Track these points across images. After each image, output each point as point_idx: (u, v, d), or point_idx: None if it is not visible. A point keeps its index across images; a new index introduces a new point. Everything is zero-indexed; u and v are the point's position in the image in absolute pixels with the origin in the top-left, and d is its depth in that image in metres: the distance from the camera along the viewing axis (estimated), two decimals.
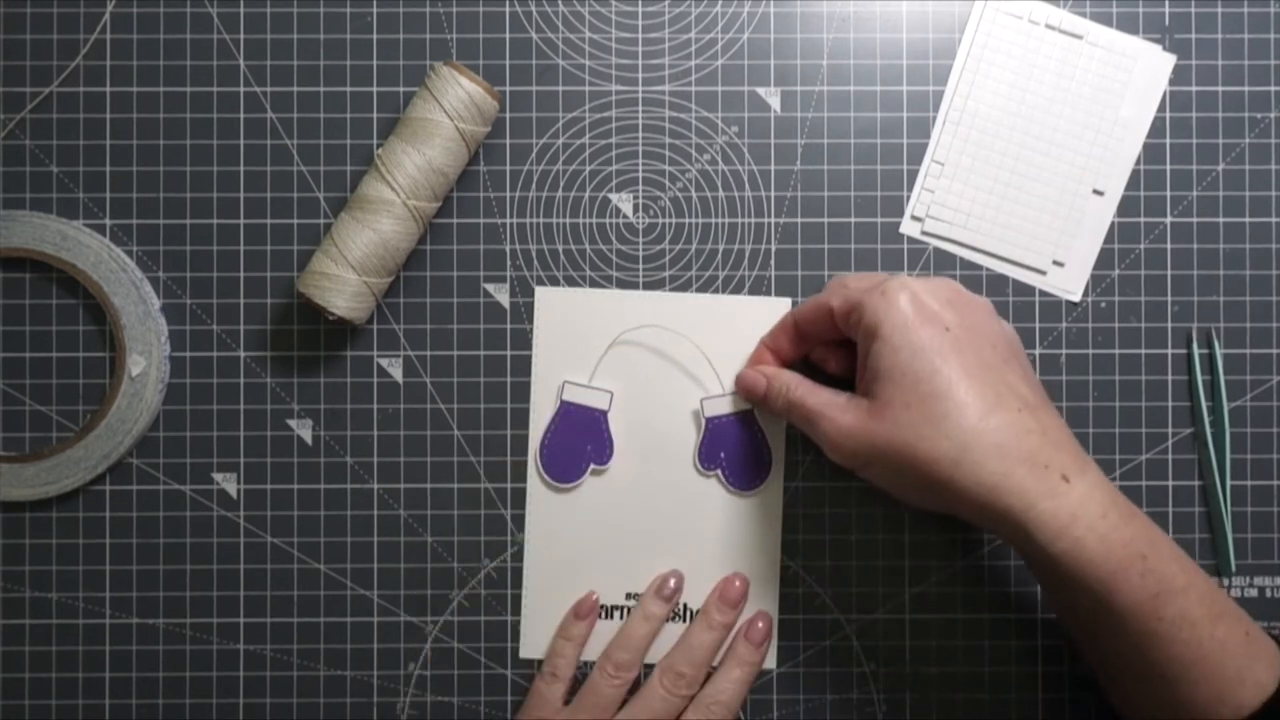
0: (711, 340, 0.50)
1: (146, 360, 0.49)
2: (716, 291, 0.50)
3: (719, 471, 0.49)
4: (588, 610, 0.49)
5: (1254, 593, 0.50)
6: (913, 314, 0.42)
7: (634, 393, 0.50)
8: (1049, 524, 0.39)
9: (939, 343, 0.41)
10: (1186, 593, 0.39)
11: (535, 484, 0.50)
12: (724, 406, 0.49)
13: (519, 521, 0.50)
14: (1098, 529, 0.39)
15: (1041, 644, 0.50)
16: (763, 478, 0.50)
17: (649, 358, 0.50)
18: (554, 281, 0.50)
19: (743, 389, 0.48)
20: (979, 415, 0.40)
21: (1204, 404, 0.50)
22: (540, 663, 0.50)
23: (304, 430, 0.50)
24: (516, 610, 0.50)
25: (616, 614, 0.50)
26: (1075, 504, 0.39)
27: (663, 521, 0.50)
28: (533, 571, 0.50)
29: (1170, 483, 0.50)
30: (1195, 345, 0.50)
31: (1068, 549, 0.38)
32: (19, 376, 0.50)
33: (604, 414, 0.50)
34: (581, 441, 0.50)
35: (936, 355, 0.41)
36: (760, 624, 0.49)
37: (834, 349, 0.48)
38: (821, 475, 0.50)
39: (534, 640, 0.50)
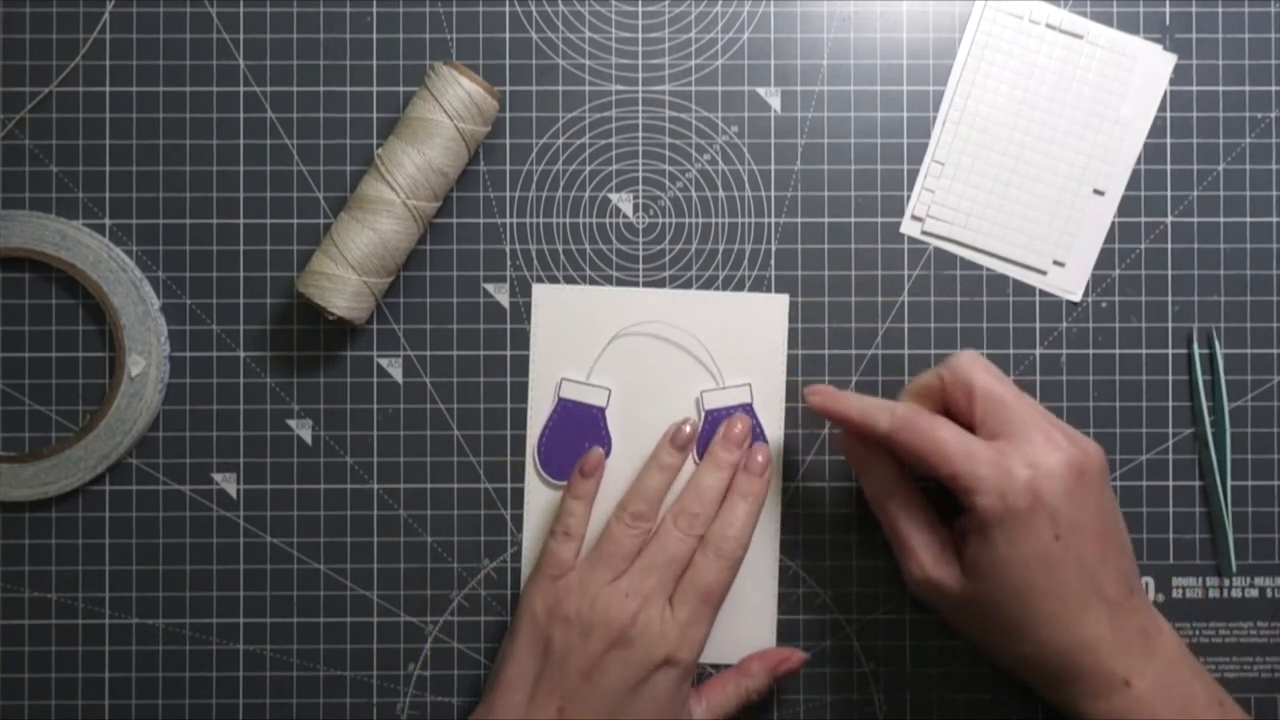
0: (710, 335, 0.50)
1: (146, 360, 0.49)
2: (721, 292, 0.50)
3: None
4: (594, 467, 0.48)
5: (1254, 593, 0.50)
6: (1030, 518, 0.41)
7: (632, 389, 0.50)
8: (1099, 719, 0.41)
9: (1047, 555, 0.41)
10: None
11: (533, 481, 0.50)
12: (723, 400, 0.49)
13: (519, 521, 0.50)
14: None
15: None
16: (760, 471, 0.50)
17: (647, 354, 0.50)
18: (554, 281, 0.50)
19: (844, 449, 0.47)
20: (1061, 629, 0.41)
21: (1204, 404, 0.50)
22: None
23: (304, 430, 0.50)
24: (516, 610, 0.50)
25: None
26: (1128, 705, 0.41)
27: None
28: (530, 566, 0.50)
29: (1170, 483, 0.50)
30: (1196, 345, 0.50)
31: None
32: (19, 376, 0.50)
33: (602, 411, 0.50)
34: (580, 438, 0.50)
35: (1041, 570, 0.41)
36: (759, 456, 0.48)
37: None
38: (821, 475, 0.50)
39: None
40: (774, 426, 0.50)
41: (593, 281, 0.50)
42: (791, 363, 0.50)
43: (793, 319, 0.50)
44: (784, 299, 0.50)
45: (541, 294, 0.50)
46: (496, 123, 0.50)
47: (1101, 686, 0.41)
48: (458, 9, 0.51)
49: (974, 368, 0.43)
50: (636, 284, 0.50)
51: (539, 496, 0.50)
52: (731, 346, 0.50)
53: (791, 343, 0.50)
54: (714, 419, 0.49)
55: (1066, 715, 0.43)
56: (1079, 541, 0.41)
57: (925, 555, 0.44)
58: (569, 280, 0.50)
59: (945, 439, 0.42)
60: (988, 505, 0.41)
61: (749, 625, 0.50)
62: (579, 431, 0.50)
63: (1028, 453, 0.41)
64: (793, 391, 0.50)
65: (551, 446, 0.50)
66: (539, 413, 0.50)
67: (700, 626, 0.45)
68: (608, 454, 0.50)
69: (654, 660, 0.44)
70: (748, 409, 0.50)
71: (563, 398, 0.50)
